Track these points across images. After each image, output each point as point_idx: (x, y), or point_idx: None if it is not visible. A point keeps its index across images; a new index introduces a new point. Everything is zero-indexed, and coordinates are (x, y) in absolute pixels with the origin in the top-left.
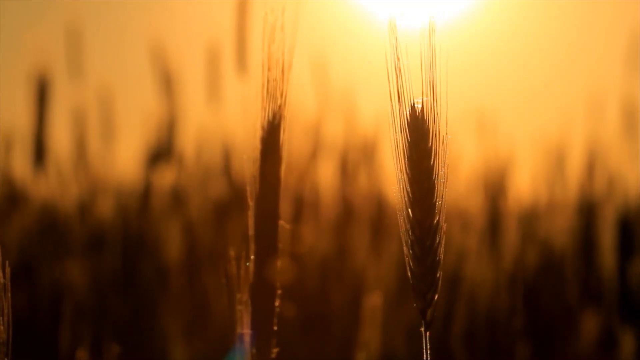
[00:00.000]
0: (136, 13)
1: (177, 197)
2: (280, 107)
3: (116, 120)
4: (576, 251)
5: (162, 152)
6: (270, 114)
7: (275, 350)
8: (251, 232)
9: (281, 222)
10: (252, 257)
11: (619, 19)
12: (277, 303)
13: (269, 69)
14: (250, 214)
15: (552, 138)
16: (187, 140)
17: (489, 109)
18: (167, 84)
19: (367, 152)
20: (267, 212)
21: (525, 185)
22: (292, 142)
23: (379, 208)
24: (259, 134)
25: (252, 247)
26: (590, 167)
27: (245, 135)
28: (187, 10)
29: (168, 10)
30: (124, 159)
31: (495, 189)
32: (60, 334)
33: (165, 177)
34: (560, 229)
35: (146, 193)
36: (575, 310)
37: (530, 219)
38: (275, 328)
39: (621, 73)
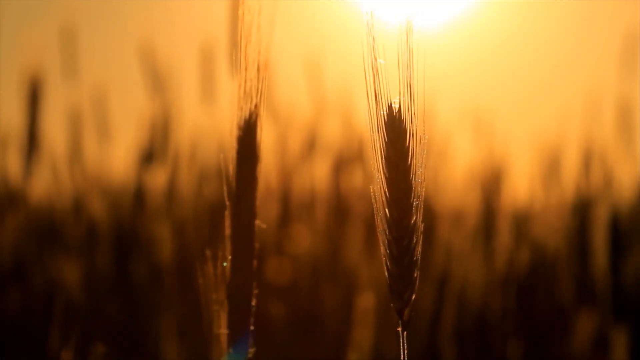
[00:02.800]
0: (130, 13)
1: (171, 197)
2: (256, 106)
3: (110, 120)
4: (571, 251)
5: (155, 152)
6: (246, 113)
7: (252, 350)
8: (228, 232)
9: (258, 222)
10: (229, 257)
11: (615, 20)
12: (254, 303)
13: (245, 69)
14: (227, 213)
15: (549, 138)
16: (181, 140)
17: (486, 109)
18: (161, 83)
19: (363, 152)
20: (244, 211)
21: (521, 185)
22: (287, 141)
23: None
24: (235, 133)
25: (229, 247)
26: (587, 168)
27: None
28: (181, 10)
29: (162, 10)
30: (118, 158)
31: (491, 189)
32: (50, 334)
33: (159, 177)
34: (556, 229)
35: (139, 193)
36: (570, 310)
37: (526, 219)
38: (252, 328)
39: (618, 74)
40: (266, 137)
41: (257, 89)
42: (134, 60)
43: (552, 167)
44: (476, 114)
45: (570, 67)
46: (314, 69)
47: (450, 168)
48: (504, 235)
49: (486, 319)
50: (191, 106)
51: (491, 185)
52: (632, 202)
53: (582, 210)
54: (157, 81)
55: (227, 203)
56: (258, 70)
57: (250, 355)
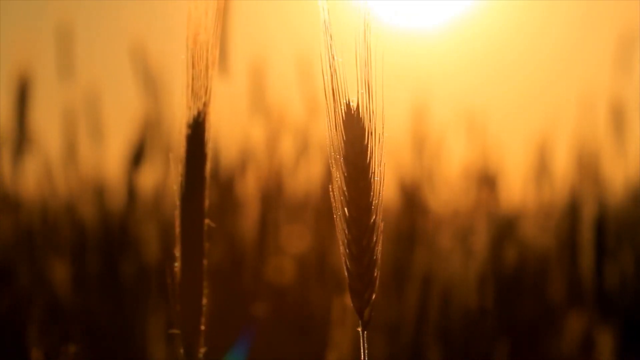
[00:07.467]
0: (124, 13)
1: (163, 197)
2: (205, 104)
3: (103, 120)
4: (562, 251)
5: (148, 152)
6: (195, 112)
7: (202, 350)
8: (178, 231)
9: (207, 221)
10: (179, 256)
11: (608, 20)
12: (204, 302)
13: (193, 66)
14: (177, 213)
15: (542, 139)
16: (174, 140)
17: (479, 110)
18: (154, 84)
19: None
20: (193, 210)
21: (514, 185)
22: (281, 142)
23: None
24: (184, 132)
25: (179, 246)
26: (579, 168)
27: (230, 134)
28: (175, 10)
29: (156, 10)
30: (111, 158)
31: (483, 190)
32: (37, 334)
33: (151, 177)
34: (548, 229)
35: (130, 193)
36: (559, 310)
37: (518, 219)
38: (203, 328)
39: (610, 74)
40: (259, 137)
41: (206, 88)
42: (128, 60)
43: (544, 168)
44: (469, 114)
45: (563, 67)
46: (306, 67)
47: (443, 168)
48: (495, 235)
49: (472, 318)
50: (184, 106)
51: (484, 185)
52: (625, 202)
53: (574, 210)
54: (150, 81)
55: (177, 202)
56: (206, 68)
57: (201, 355)
